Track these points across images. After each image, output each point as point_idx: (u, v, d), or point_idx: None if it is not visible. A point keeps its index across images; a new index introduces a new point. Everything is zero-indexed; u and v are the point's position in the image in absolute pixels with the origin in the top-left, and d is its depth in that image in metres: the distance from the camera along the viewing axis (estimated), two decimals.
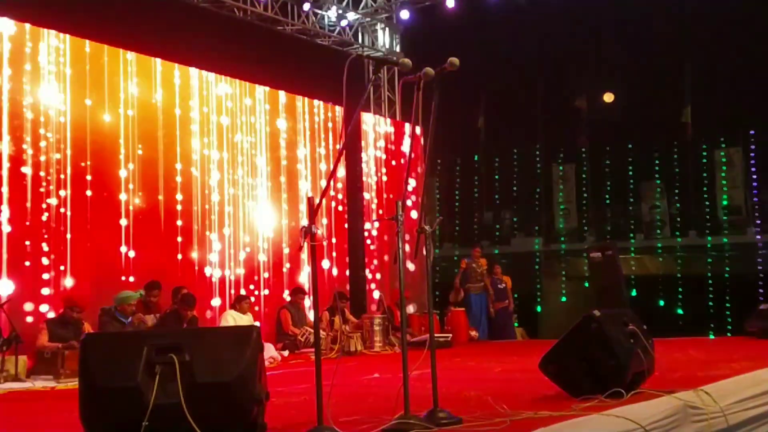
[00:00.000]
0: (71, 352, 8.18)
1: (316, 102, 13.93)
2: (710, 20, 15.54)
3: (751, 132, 16.60)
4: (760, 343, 10.46)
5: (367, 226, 14.61)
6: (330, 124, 14.12)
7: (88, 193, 10.31)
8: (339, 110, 14.13)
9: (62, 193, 10.03)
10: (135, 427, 3.77)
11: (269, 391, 4.27)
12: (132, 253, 10.66)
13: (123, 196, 10.70)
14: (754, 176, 16.71)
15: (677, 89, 17.58)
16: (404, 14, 14.77)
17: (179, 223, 11.39)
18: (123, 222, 10.65)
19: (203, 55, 12.28)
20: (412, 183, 14.70)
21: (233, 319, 10.65)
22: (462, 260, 15.04)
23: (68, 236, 10.02)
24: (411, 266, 14.47)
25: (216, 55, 12.61)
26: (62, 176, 10.07)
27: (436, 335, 11.91)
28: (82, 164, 10.29)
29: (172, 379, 3.86)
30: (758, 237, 16.16)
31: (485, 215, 19.88)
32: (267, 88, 13.10)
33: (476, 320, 14.40)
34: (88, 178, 10.34)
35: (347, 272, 14.26)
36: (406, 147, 15.21)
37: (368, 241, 14.66)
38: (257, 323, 11.33)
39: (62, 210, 10.01)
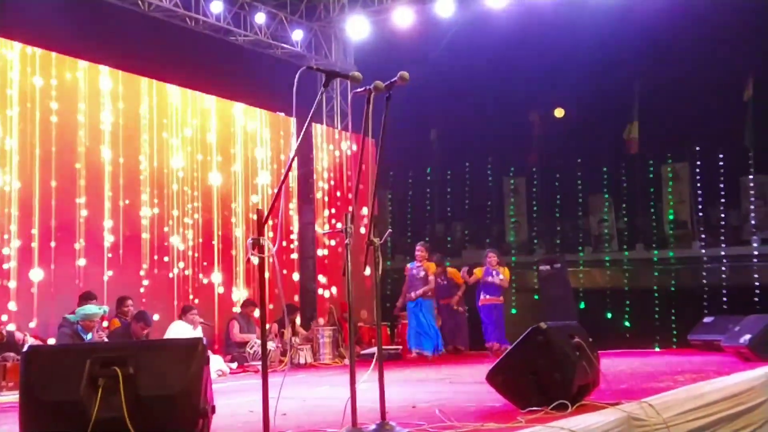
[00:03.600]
0: (13, 364, 8.01)
1: (267, 113, 13.88)
2: (658, 38, 15.87)
3: (697, 148, 16.95)
4: (703, 355, 10.66)
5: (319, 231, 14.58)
6: (282, 134, 14.08)
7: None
8: (292, 121, 14.09)
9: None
10: None
11: (215, 404, 4.23)
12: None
13: (79, 216, 10.55)
14: (700, 191, 17.05)
15: (625, 105, 17.90)
16: (358, 27, 14.79)
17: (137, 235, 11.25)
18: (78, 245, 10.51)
19: (154, 64, 12.17)
20: (362, 195, 14.71)
21: (180, 330, 10.47)
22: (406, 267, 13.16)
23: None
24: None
25: (167, 65, 12.51)
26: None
27: (385, 347, 11.96)
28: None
29: (116, 392, 3.81)
30: (703, 251, 16.47)
31: (437, 227, 19.99)
32: (219, 99, 13.01)
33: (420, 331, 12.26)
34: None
35: (297, 284, 14.20)
36: (357, 159, 15.21)
37: (319, 253, 14.63)
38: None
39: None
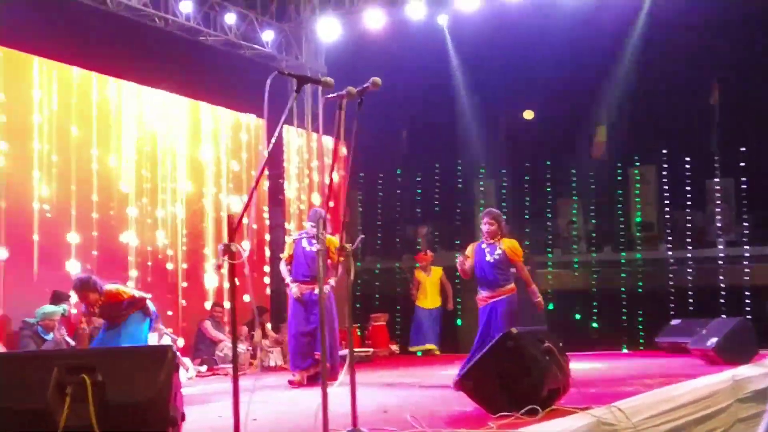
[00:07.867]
0: None
1: (237, 114, 13.79)
2: (626, 42, 16.00)
3: (664, 150, 17.10)
4: (670, 357, 10.77)
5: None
6: (252, 135, 14.00)
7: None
8: (263, 123, 14.00)
9: None
10: None
11: (185, 410, 4.20)
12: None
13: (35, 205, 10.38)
14: (666, 194, 17.21)
15: (594, 109, 18.02)
16: (328, 28, 14.74)
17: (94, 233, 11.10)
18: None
19: (121, 64, 12.03)
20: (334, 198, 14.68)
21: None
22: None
23: None
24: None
25: (134, 65, 12.37)
26: None
27: (356, 350, 11.95)
28: None
29: (84, 400, 3.75)
30: (669, 253, 16.62)
31: (407, 229, 19.98)
32: (188, 99, 12.90)
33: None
34: None
35: (268, 286, 14.13)
36: (329, 163, 15.17)
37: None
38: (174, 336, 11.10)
39: None
